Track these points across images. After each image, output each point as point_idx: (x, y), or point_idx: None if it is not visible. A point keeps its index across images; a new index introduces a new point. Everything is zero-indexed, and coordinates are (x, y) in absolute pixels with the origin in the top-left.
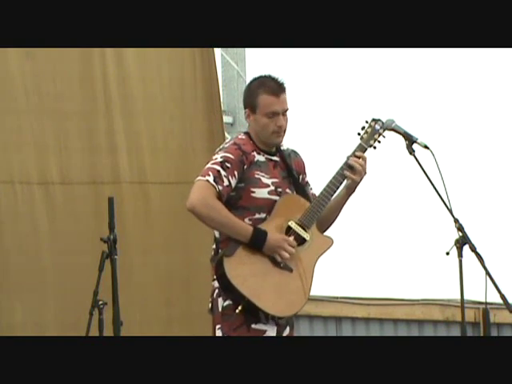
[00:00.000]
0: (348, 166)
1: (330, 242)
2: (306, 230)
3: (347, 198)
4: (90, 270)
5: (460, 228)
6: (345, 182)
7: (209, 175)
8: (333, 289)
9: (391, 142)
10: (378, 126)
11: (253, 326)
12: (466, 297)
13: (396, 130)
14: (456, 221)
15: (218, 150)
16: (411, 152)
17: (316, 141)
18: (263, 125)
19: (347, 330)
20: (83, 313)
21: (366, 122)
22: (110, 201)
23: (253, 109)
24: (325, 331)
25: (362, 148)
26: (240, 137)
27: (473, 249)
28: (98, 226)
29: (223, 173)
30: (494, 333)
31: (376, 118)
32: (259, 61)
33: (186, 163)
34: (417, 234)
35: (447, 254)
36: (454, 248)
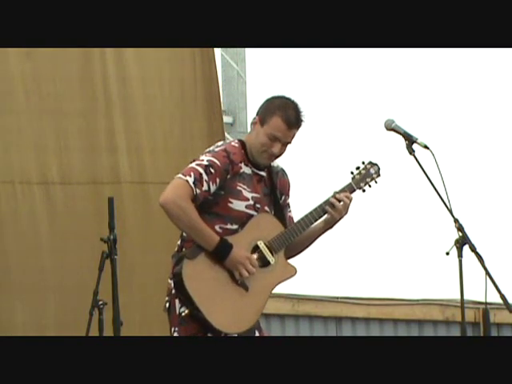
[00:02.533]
0: (330, 203)
1: (293, 272)
2: (272, 254)
3: (323, 232)
4: (90, 270)
5: (460, 228)
6: (325, 216)
7: (190, 176)
8: (333, 289)
9: (391, 142)
10: (372, 171)
11: (209, 334)
12: (466, 297)
13: (396, 130)
14: (456, 221)
15: (207, 150)
16: (411, 152)
17: (315, 140)
18: (261, 141)
19: (347, 330)
20: (83, 313)
21: (363, 162)
22: (110, 201)
23: (262, 121)
24: (325, 331)
25: (350, 188)
26: (233, 144)
27: (473, 249)
28: (98, 226)
29: (205, 177)
30: (494, 333)
31: (373, 161)
32: (259, 61)
33: (185, 163)
34: (417, 234)
35: (447, 254)
36: (454, 248)
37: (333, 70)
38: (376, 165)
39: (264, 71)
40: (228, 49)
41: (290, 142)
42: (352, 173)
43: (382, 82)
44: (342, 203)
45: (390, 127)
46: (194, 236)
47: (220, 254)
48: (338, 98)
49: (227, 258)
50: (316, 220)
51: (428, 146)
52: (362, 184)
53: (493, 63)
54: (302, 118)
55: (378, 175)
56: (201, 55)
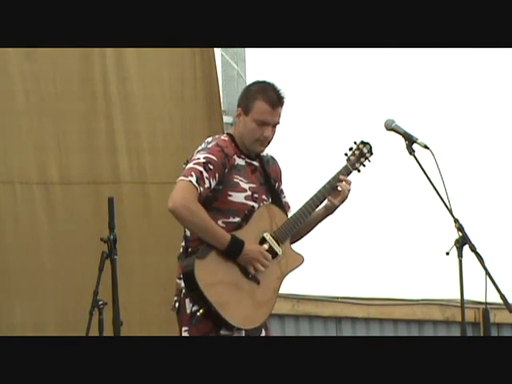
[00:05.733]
0: (331, 188)
1: (300, 260)
2: (279, 244)
3: (324, 218)
4: (90, 270)
5: (460, 228)
6: (325, 202)
7: (191, 176)
8: (333, 289)
9: (391, 142)
10: (365, 150)
11: (222, 332)
12: (466, 297)
13: (396, 130)
14: (456, 221)
15: (199, 149)
16: (411, 152)
17: (316, 140)
18: (250, 129)
19: (347, 330)
20: (83, 313)
21: (355, 143)
22: (110, 201)
23: (246, 110)
24: (325, 331)
25: (347, 170)
26: (223, 138)
27: (473, 249)
28: (98, 226)
29: (205, 174)
30: (494, 333)
31: (365, 140)
32: (259, 61)
33: None
34: (417, 234)
35: (447, 254)
36: (454, 248)
37: (333, 69)
38: (368, 144)
39: (264, 71)
40: (228, 49)
41: (278, 123)
42: (346, 154)
43: (382, 81)
44: (341, 188)
45: (390, 127)
46: (206, 237)
47: (233, 251)
48: (338, 97)
49: (240, 255)
50: (317, 206)
51: (428, 145)
52: (357, 165)
53: (493, 63)
54: (283, 95)
55: (371, 154)
56: (201, 55)
